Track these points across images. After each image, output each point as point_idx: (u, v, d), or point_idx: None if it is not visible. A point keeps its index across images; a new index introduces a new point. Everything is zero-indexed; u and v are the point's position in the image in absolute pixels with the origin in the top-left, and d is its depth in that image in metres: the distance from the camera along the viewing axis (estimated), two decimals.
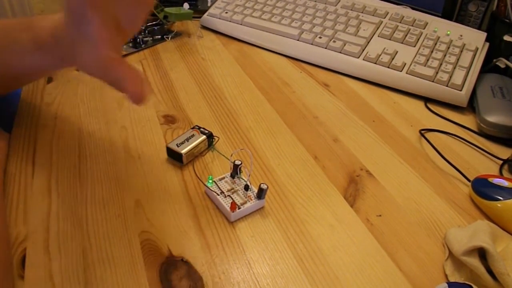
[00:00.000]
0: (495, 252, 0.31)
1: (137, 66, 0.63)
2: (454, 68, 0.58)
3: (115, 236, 0.36)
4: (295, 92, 0.58)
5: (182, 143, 0.43)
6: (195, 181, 0.42)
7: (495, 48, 0.61)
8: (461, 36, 0.62)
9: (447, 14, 0.68)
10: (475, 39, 0.62)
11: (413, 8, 0.70)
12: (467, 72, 0.58)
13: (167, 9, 0.71)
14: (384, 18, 0.67)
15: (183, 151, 0.42)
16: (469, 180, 0.43)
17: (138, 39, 0.69)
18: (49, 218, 0.37)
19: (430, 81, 0.57)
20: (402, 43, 0.63)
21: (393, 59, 0.61)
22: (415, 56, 0.61)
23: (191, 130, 0.46)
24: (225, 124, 0.50)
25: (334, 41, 0.65)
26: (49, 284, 0.32)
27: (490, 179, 0.41)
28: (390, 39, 0.64)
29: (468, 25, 0.65)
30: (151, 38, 0.71)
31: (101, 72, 0.34)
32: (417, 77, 0.58)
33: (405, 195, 0.42)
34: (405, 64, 0.60)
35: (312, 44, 0.66)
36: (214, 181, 0.40)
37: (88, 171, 0.42)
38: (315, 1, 0.73)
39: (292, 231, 0.37)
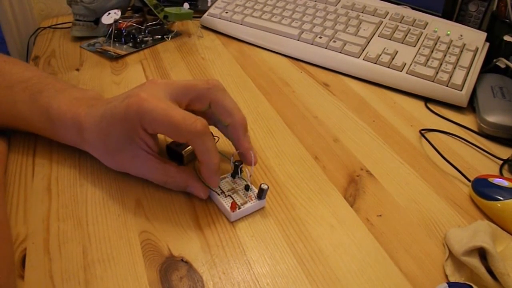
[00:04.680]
0: (495, 252, 0.31)
1: (137, 66, 0.63)
2: (454, 68, 0.58)
3: (115, 236, 0.36)
4: (295, 92, 0.58)
5: (182, 143, 0.43)
6: None
7: (495, 48, 0.61)
8: (461, 36, 0.62)
9: (447, 14, 0.68)
10: (475, 39, 0.62)
11: (413, 8, 0.70)
12: (467, 72, 0.58)
13: (167, 9, 0.71)
14: (384, 18, 0.67)
15: (184, 151, 0.42)
16: (469, 180, 0.42)
17: (138, 39, 0.70)
18: (49, 218, 0.37)
19: (430, 81, 0.57)
20: (402, 43, 0.63)
21: (393, 59, 0.61)
22: (415, 56, 0.61)
23: None
24: None
25: (334, 41, 0.65)
26: (49, 284, 0.32)
27: (490, 179, 0.41)
28: (390, 39, 0.64)
29: (468, 25, 0.65)
30: (151, 38, 0.71)
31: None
32: (417, 77, 0.58)
33: (405, 195, 0.42)
34: (405, 64, 0.60)
35: (312, 44, 0.66)
36: None
37: (88, 171, 0.42)
38: (315, 1, 0.73)
39: (292, 231, 0.37)
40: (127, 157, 0.38)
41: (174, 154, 0.43)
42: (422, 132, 0.50)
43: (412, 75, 0.58)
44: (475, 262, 0.32)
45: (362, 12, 0.69)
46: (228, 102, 0.39)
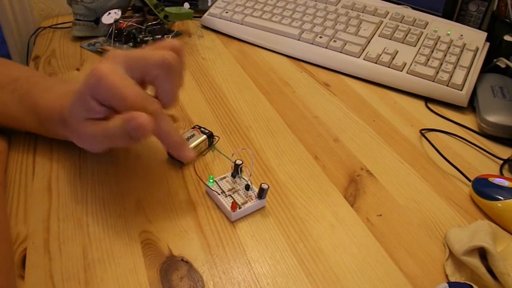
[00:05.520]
0: (495, 252, 0.31)
1: None
2: (455, 68, 0.58)
3: (115, 236, 0.36)
4: (296, 92, 0.58)
5: None
6: (196, 181, 0.42)
7: (496, 48, 0.61)
8: (461, 36, 0.62)
9: (447, 14, 0.68)
10: (475, 39, 0.62)
11: (413, 8, 0.70)
12: (468, 72, 0.58)
13: (167, 9, 0.71)
14: (385, 18, 0.67)
15: None
16: (469, 180, 0.42)
17: (139, 39, 0.69)
18: (49, 218, 0.37)
19: (430, 81, 0.57)
20: (402, 43, 0.63)
21: (393, 59, 0.61)
22: (416, 56, 0.61)
23: (192, 129, 0.45)
24: (226, 124, 0.50)
25: (335, 41, 0.65)
26: (49, 284, 0.32)
27: (490, 179, 0.41)
28: (390, 39, 0.64)
29: (468, 25, 0.65)
30: (151, 38, 0.71)
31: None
32: (418, 76, 0.58)
33: (406, 195, 0.42)
34: (405, 64, 0.60)
35: (312, 43, 0.66)
36: (215, 181, 0.40)
37: (88, 171, 0.42)
38: (316, 1, 0.72)
39: (292, 231, 0.37)
40: (86, 130, 0.36)
41: None
42: (423, 132, 0.50)
43: (413, 75, 0.58)
44: (475, 262, 0.32)
45: (363, 12, 0.69)
46: (168, 87, 0.37)
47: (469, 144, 0.49)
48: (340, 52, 0.64)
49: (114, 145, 0.36)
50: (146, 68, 0.36)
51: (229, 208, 0.37)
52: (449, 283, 0.31)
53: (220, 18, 0.75)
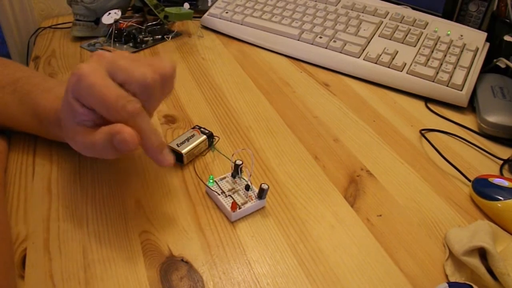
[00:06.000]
0: (495, 252, 0.31)
1: None
2: (455, 68, 0.58)
3: (115, 236, 0.36)
4: (296, 92, 0.58)
5: (183, 143, 0.43)
6: (196, 181, 0.42)
7: (496, 48, 0.61)
8: (461, 36, 0.62)
9: (447, 14, 0.68)
10: (475, 39, 0.62)
11: (413, 8, 0.70)
12: (468, 72, 0.58)
13: (167, 9, 0.71)
14: (385, 18, 0.67)
15: (184, 151, 0.42)
16: (469, 180, 0.42)
17: (139, 39, 0.69)
18: (49, 218, 0.37)
19: (430, 81, 0.57)
20: (402, 43, 0.63)
21: (393, 59, 0.61)
22: (416, 56, 0.61)
23: (192, 130, 0.45)
24: (226, 124, 0.50)
25: (335, 41, 0.65)
26: (49, 284, 0.32)
27: (490, 179, 0.41)
28: (390, 39, 0.64)
29: (468, 25, 0.65)
30: (151, 38, 0.71)
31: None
32: (418, 77, 0.58)
33: (406, 195, 0.42)
34: (405, 64, 0.60)
35: (312, 44, 0.66)
36: (215, 181, 0.40)
37: (88, 171, 0.42)
38: (316, 1, 0.73)
39: (292, 231, 0.37)
40: (78, 137, 0.36)
41: (175, 154, 0.43)
42: (422, 132, 0.50)
43: (413, 75, 0.58)
44: (475, 262, 0.32)
45: (362, 12, 0.69)
46: (151, 105, 0.37)
47: (469, 144, 0.49)
48: (340, 52, 0.64)
49: (104, 157, 0.36)
50: (126, 81, 0.35)
51: (229, 208, 0.37)
52: (449, 283, 0.31)
53: (220, 18, 0.75)
